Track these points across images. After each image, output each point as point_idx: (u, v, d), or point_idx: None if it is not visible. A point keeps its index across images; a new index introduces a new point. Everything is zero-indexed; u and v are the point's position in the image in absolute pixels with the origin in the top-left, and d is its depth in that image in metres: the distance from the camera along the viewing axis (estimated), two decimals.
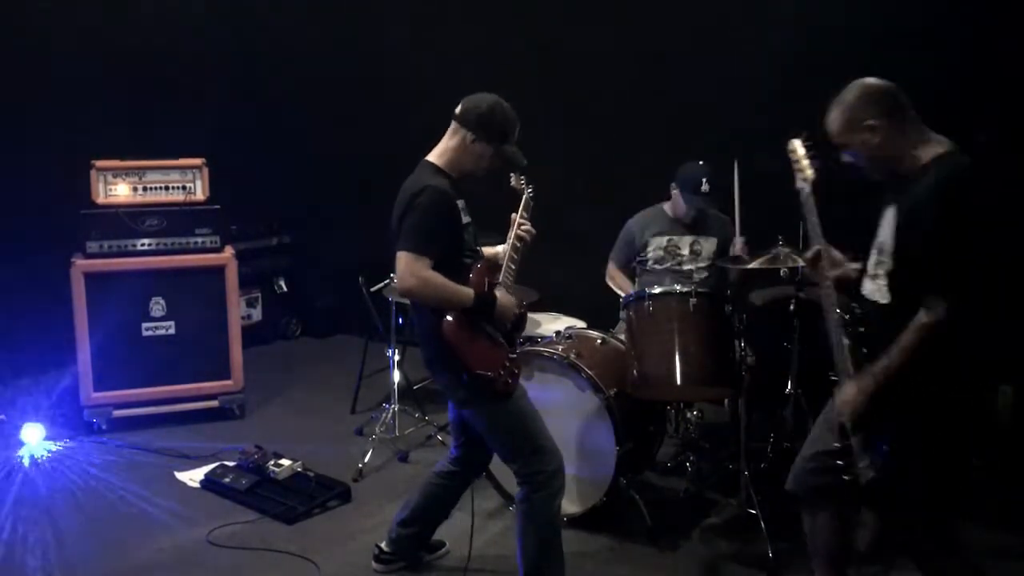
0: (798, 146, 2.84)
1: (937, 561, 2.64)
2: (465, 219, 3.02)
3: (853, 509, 2.88)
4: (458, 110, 3.04)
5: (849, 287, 2.76)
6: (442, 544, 3.54)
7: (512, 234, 3.18)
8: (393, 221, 2.97)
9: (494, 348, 2.98)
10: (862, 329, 2.63)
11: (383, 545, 3.43)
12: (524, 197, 3.30)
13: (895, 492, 2.52)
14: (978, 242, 2.42)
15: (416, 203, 2.86)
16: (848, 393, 2.55)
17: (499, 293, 3.01)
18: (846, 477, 2.59)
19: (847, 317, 2.68)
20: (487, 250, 3.20)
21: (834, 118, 2.60)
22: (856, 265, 2.78)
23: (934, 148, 2.51)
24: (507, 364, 2.98)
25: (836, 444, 2.64)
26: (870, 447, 2.52)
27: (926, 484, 2.55)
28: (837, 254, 2.79)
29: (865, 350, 2.59)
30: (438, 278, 2.86)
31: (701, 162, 4.22)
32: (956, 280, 2.38)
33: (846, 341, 2.62)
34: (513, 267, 3.14)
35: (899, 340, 2.44)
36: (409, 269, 2.83)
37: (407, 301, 4.16)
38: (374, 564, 3.44)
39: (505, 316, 3.01)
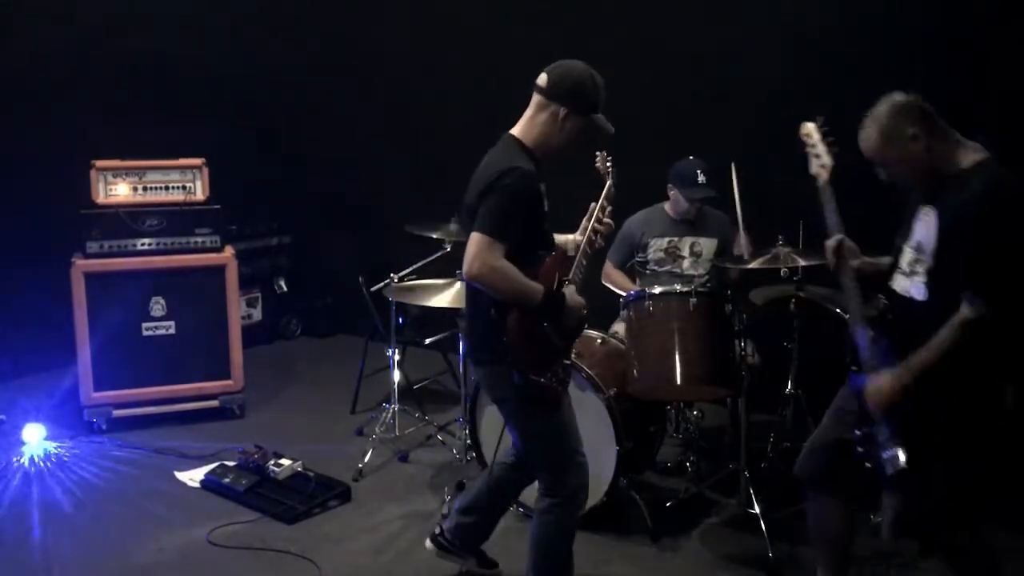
0: (813, 130, 2.79)
1: (957, 551, 2.66)
2: (545, 206, 2.81)
3: (860, 498, 2.88)
4: (544, 82, 2.78)
5: (863, 280, 2.75)
6: (495, 564, 3.40)
7: (590, 225, 2.94)
8: (470, 197, 2.74)
9: (551, 353, 2.79)
10: (893, 325, 2.63)
11: (444, 527, 3.30)
12: (607, 184, 3.04)
13: (920, 484, 2.51)
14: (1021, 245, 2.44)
15: (503, 184, 2.64)
16: (883, 384, 2.54)
17: (568, 291, 2.79)
18: (868, 465, 2.58)
19: (876, 311, 2.68)
20: (557, 238, 2.97)
21: (871, 135, 2.56)
22: (877, 260, 2.78)
23: (972, 154, 2.54)
24: (560, 372, 2.81)
25: (857, 432, 2.63)
26: (896, 439, 2.52)
27: (951, 479, 2.56)
28: (852, 245, 2.79)
29: (894, 342, 2.59)
30: (511, 269, 2.63)
31: (692, 157, 4.23)
32: (1001, 282, 2.41)
33: (870, 332, 2.61)
34: (584, 262, 2.90)
35: (939, 335, 2.45)
36: (481, 254, 2.60)
37: (408, 301, 4.18)
38: (428, 543, 3.31)
39: (572, 318, 2.81)
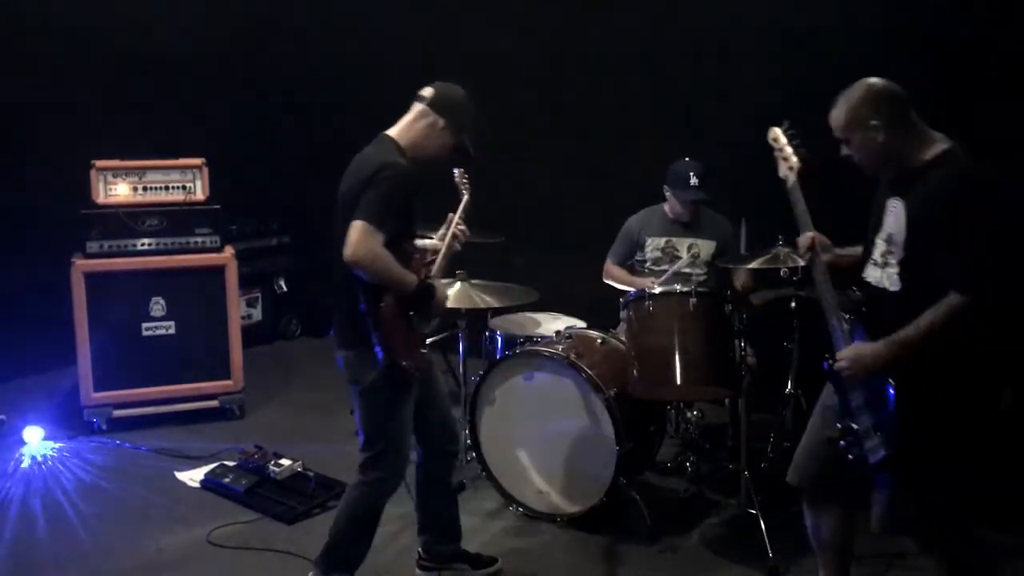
0: (780, 134, 2.88)
1: (950, 542, 2.67)
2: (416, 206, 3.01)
3: (857, 498, 2.89)
4: (429, 94, 3.04)
5: (839, 272, 2.82)
6: (494, 561, 3.45)
7: (448, 233, 3.19)
8: (346, 191, 2.94)
9: (415, 338, 2.99)
10: (866, 315, 2.67)
11: (420, 551, 3.42)
12: (465, 198, 3.33)
13: (907, 465, 2.54)
14: (999, 234, 2.49)
15: (383, 176, 2.83)
16: (864, 352, 2.57)
17: (437, 283, 3.01)
18: (850, 456, 2.61)
19: (849, 300, 2.72)
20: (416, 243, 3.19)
21: (839, 114, 2.64)
22: (847, 251, 2.83)
23: (937, 145, 2.57)
24: (420, 360, 3.00)
25: (838, 424, 2.66)
26: (878, 427, 2.54)
27: (933, 462, 2.57)
28: (825, 240, 2.86)
29: (869, 331, 2.62)
30: (389, 256, 2.82)
31: (687, 158, 4.24)
32: (985, 269, 2.45)
33: (846, 326, 2.66)
34: (444, 264, 3.15)
35: (926, 315, 2.48)
36: (364, 240, 2.78)
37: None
38: (417, 570, 3.41)
39: (438, 308, 3.01)
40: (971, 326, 2.48)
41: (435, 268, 3.10)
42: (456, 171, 3.38)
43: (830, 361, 2.68)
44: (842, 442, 2.64)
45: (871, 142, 2.59)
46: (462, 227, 3.22)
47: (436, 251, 3.17)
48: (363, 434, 3.09)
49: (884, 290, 2.64)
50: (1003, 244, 2.52)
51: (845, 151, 2.67)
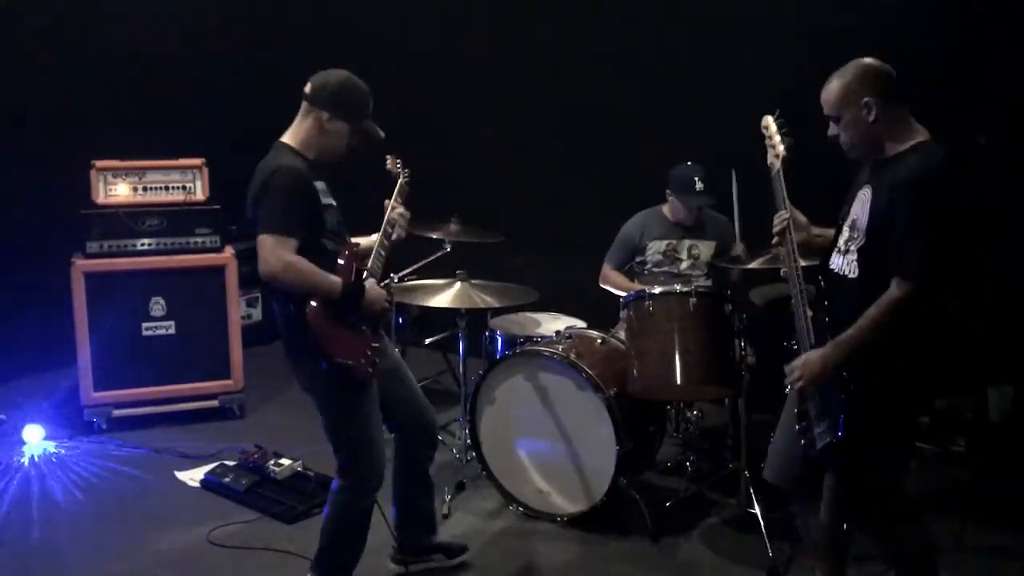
0: (771, 122, 2.91)
1: (894, 530, 2.69)
2: (325, 200, 2.93)
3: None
4: (308, 89, 2.94)
5: (812, 252, 2.86)
6: (465, 548, 3.49)
7: (385, 218, 3.10)
8: (248, 204, 2.86)
9: (356, 336, 2.90)
10: (826, 303, 2.69)
11: (394, 546, 3.42)
12: (399, 182, 3.26)
13: (849, 456, 2.57)
14: (950, 228, 2.51)
15: (272, 184, 2.77)
16: (812, 360, 2.60)
17: (368, 284, 2.92)
18: (803, 443, 2.64)
19: (813, 288, 2.74)
20: (361, 240, 3.12)
21: (831, 89, 2.64)
22: (825, 232, 2.85)
23: (915, 136, 2.59)
24: (369, 353, 2.91)
25: (795, 410, 2.70)
26: (827, 414, 2.58)
27: (878, 448, 2.60)
28: (801, 217, 2.88)
29: (827, 319, 2.65)
30: (304, 263, 2.76)
31: (690, 162, 4.23)
32: (927, 262, 2.46)
33: (809, 312, 2.68)
34: (384, 253, 3.06)
35: (867, 313, 2.51)
36: (274, 252, 2.71)
37: (408, 301, 4.18)
38: (390, 564, 3.42)
39: (373, 308, 2.92)
40: (919, 317, 2.49)
41: (371, 260, 3.01)
42: (388, 157, 3.33)
43: (795, 349, 2.72)
44: (796, 427, 2.68)
45: (861, 121, 2.59)
46: (400, 210, 3.12)
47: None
48: (330, 441, 3.07)
49: (844, 277, 2.66)
50: (955, 237, 2.52)
51: (833, 130, 2.67)
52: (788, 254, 2.76)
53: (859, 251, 2.61)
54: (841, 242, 2.71)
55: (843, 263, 2.68)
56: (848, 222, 2.69)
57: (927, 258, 2.45)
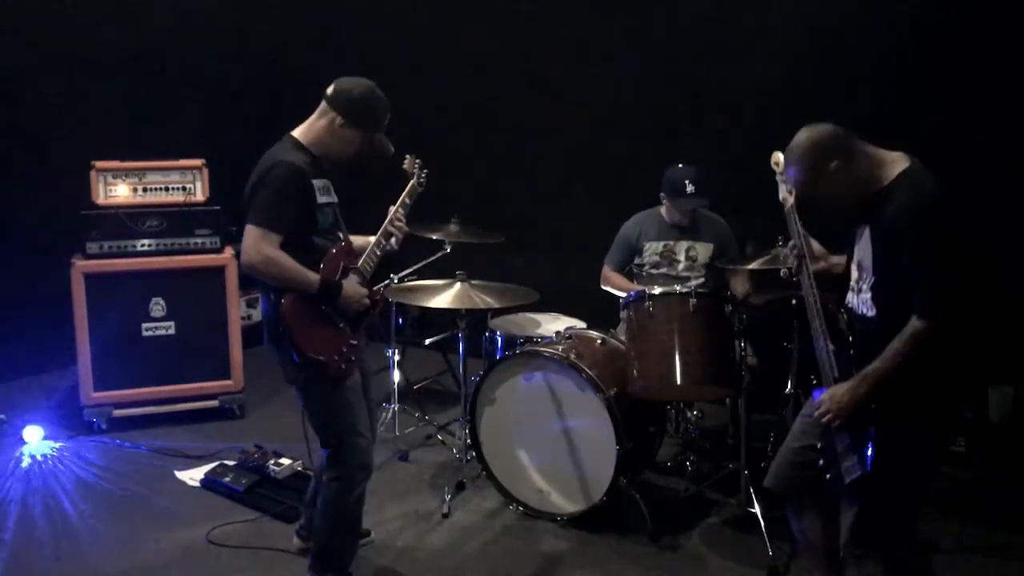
0: (781, 159, 2.89)
1: (899, 552, 2.68)
2: (323, 199, 2.96)
3: (834, 501, 2.92)
4: (329, 91, 2.99)
5: (831, 282, 2.83)
6: (368, 532, 3.56)
7: (387, 220, 3.13)
8: (245, 192, 2.90)
9: (334, 333, 2.95)
10: (851, 338, 2.68)
11: (301, 522, 3.51)
12: (411, 183, 3.28)
13: (877, 489, 2.56)
14: (959, 253, 2.50)
15: (268, 177, 2.82)
16: (839, 394, 2.59)
17: (347, 282, 2.96)
18: (828, 476, 2.64)
19: (837, 322, 2.73)
20: (359, 239, 3.15)
21: (796, 176, 2.67)
22: (839, 259, 2.84)
23: (894, 165, 2.58)
24: (344, 350, 2.95)
25: (819, 445, 2.69)
26: (856, 448, 2.57)
27: (907, 479, 2.60)
28: (817, 246, 2.90)
29: (852, 352, 2.64)
30: (284, 259, 2.81)
31: (681, 164, 4.23)
32: (940, 295, 2.46)
33: (831, 346, 2.67)
34: (379, 252, 3.10)
35: (892, 346, 2.50)
36: (256, 245, 2.78)
37: (408, 302, 4.19)
38: (295, 539, 3.50)
39: (349, 305, 2.96)
40: (943, 347, 2.48)
41: (362, 259, 3.05)
42: (407, 157, 3.34)
43: (815, 383, 2.71)
44: (820, 461, 2.67)
45: (838, 185, 2.60)
46: (400, 223, 3.17)
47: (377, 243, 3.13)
48: (316, 434, 3.10)
49: (863, 316, 2.66)
50: (964, 263, 2.51)
51: (818, 204, 2.66)
52: (807, 288, 2.75)
53: (872, 289, 2.61)
54: (853, 282, 2.72)
55: (859, 302, 2.68)
56: (855, 262, 2.70)
57: (939, 290, 2.45)
